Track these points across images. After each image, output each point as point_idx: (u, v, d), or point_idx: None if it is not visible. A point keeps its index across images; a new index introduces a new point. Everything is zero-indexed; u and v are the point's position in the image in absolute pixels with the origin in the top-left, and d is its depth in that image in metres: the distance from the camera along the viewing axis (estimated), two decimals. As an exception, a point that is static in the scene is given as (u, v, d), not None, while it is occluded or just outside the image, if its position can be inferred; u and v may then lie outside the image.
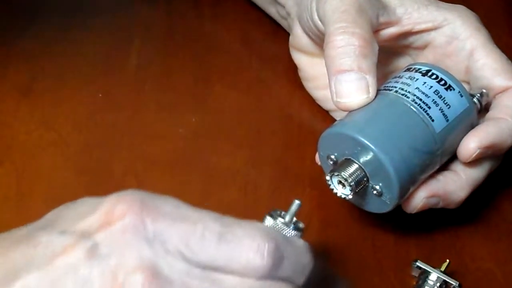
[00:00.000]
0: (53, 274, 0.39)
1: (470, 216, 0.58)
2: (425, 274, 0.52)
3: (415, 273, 0.53)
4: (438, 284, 0.52)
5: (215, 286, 0.40)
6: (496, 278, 0.55)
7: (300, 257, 0.42)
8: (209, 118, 0.64)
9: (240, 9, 0.72)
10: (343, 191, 0.52)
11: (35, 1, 0.72)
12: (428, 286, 0.52)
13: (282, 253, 0.40)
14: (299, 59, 0.64)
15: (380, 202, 0.52)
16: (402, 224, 0.57)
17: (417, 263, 0.53)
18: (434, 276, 0.52)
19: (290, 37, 0.64)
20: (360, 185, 0.52)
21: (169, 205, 0.41)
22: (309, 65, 0.63)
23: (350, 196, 0.51)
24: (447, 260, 0.53)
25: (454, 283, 0.52)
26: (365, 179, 0.52)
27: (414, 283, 0.53)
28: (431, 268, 0.52)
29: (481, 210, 0.58)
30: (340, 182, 0.51)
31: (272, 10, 0.69)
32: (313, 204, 0.58)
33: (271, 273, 0.40)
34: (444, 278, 0.52)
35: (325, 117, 0.63)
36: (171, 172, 0.60)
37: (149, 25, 0.71)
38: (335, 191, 0.52)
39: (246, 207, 0.58)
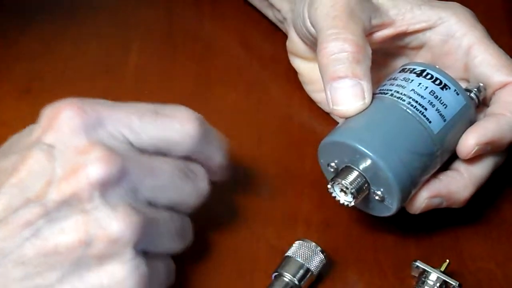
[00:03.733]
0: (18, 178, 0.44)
1: (470, 216, 0.58)
2: (425, 274, 0.52)
3: (415, 273, 0.53)
4: (438, 284, 0.52)
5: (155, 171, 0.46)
6: (496, 278, 0.55)
7: (219, 140, 0.51)
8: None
9: (239, 9, 0.72)
10: (345, 199, 0.52)
11: (35, 1, 0.72)
12: (428, 286, 0.52)
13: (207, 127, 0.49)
14: (297, 63, 0.64)
15: (383, 206, 0.53)
16: (402, 224, 0.57)
17: (417, 263, 0.53)
18: (434, 276, 0.52)
19: (287, 42, 0.64)
20: (362, 192, 0.52)
21: (103, 100, 0.46)
22: (307, 69, 0.63)
23: (353, 203, 0.52)
24: (447, 260, 0.53)
25: (454, 283, 0.52)
26: (366, 185, 0.52)
27: (414, 283, 0.53)
28: (431, 268, 0.52)
29: (481, 210, 0.58)
30: (342, 190, 0.52)
31: (269, 14, 0.69)
32: (313, 204, 0.58)
33: (201, 142, 0.48)
34: (444, 278, 0.52)
35: (325, 117, 0.63)
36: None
37: (149, 25, 0.71)
38: (337, 198, 0.52)
39: (247, 207, 0.58)
